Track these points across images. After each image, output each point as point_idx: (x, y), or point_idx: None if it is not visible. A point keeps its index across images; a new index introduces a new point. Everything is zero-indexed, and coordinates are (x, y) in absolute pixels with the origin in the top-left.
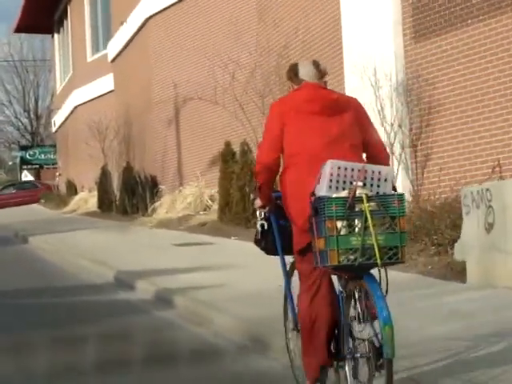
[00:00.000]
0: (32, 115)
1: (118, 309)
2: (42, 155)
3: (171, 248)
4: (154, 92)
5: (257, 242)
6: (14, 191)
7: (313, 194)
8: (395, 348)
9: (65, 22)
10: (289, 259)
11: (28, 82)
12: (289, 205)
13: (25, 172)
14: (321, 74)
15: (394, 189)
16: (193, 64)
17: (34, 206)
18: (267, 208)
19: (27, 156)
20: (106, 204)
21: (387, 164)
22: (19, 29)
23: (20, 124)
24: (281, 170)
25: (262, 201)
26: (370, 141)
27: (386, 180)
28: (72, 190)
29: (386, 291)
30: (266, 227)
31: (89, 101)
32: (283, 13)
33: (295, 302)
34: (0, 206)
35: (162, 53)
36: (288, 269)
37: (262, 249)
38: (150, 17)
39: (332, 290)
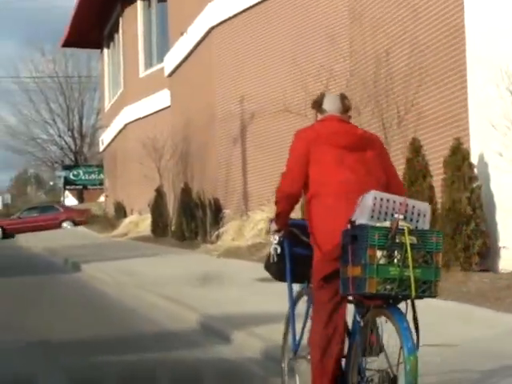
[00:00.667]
0: (76, 134)
1: (225, 372)
2: (86, 175)
3: (254, 284)
4: (217, 107)
5: (267, 267)
6: (35, 215)
7: (352, 221)
8: (417, 379)
9: (115, 35)
10: (296, 287)
11: (72, 100)
12: (316, 232)
13: (66, 193)
14: (345, 108)
15: (431, 225)
16: (262, 76)
17: (80, 228)
18: (282, 233)
19: (71, 176)
20: (160, 228)
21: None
22: (67, 43)
23: (63, 143)
24: (306, 198)
25: (278, 226)
26: (391, 180)
27: (424, 215)
28: (121, 212)
29: (417, 327)
30: (279, 251)
31: (141, 118)
32: (383, 14)
33: (297, 329)
34: (19, 230)
35: (226, 64)
36: (294, 296)
37: (272, 274)
38: (214, 26)
39: (345, 322)
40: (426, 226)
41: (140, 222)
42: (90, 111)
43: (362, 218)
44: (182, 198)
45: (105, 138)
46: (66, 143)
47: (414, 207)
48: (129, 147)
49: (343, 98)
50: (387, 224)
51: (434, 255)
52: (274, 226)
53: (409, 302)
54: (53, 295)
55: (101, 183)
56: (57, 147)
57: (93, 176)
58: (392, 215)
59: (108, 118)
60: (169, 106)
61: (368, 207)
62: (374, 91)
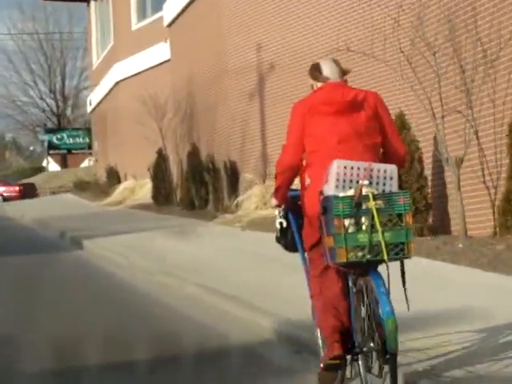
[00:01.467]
0: (58, 96)
1: None
2: (71, 139)
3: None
4: (229, 58)
5: (278, 240)
6: None
7: (321, 193)
8: (397, 341)
9: None
10: None
11: (54, 60)
12: (304, 202)
13: (47, 158)
14: (342, 71)
15: (400, 186)
16: (283, 20)
17: (69, 196)
18: (283, 207)
19: (54, 140)
20: (162, 195)
21: (402, 157)
22: None
23: (45, 105)
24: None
25: (277, 200)
26: (387, 136)
27: (391, 178)
28: (114, 178)
29: (404, 283)
30: (284, 225)
31: (134, 75)
32: None
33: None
34: None
35: (239, 9)
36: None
37: (283, 246)
38: None
39: (342, 278)
40: (394, 189)
41: (137, 188)
42: (73, 71)
43: (329, 188)
44: (189, 161)
45: (93, 97)
46: (48, 105)
47: (379, 170)
48: (121, 106)
49: (338, 62)
50: (351, 192)
51: (404, 216)
52: (274, 202)
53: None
54: (57, 283)
55: (86, 147)
56: (38, 110)
57: (78, 140)
58: (357, 182)
59: (96, 76)
60: (168, 60)
61: (333, 177)
62: (450, 26)
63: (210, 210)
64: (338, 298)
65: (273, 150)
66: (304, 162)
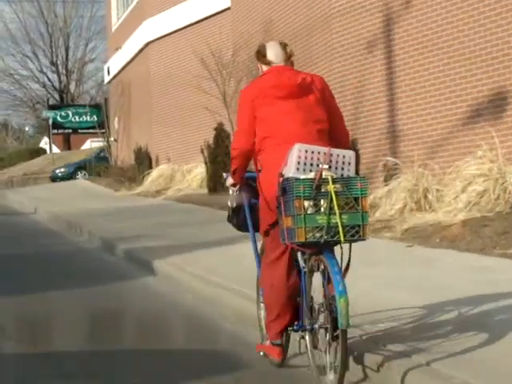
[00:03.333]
0: (61, 69)
1: None
2: (76, 117)
3: None
4: None
5: (229, 220)
6: None
7: (281, 175)
8: (349, 319)
9: None
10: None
11: (56, 29)
12: (261, 185)
13: (50, 139)
14: (287, 55)
15: (357, 171)
16: None
17: (82, 182)
18: (237, 187)
19: (58, 118)
20: (221, 184)
21: (347, 142)
22: None
23: (46, 80)
24: (255, 152)
25: (234, 180)
26: (333, 119)
27: (349, 163)
28: (144, 162)
29: (347, 266)
30: (234, 205)
31: (172, 32)
32: None
33: None
34: None
35: None
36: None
37: (234, 225)
38: None
39: (292, 263)
40: (352, 173)
41: (178, 174)
42: (78, 42)
43: (289, 170)
44: None
45: (112, 65)
46: (49, 80)
47: (338, 156)
48: (154, 72)
49: (284, 46)
50: (312, 175)
51: (360, 200)
52: (230, 181)
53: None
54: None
55: (95, 126)
56: (39, 85)
57: (84, 117)
58: (317, 165)
59: (116, 39)
60: (222, 11)
61: (293, 160)
62: None
63: None
64: (286, 278)
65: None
66: (257, 146)
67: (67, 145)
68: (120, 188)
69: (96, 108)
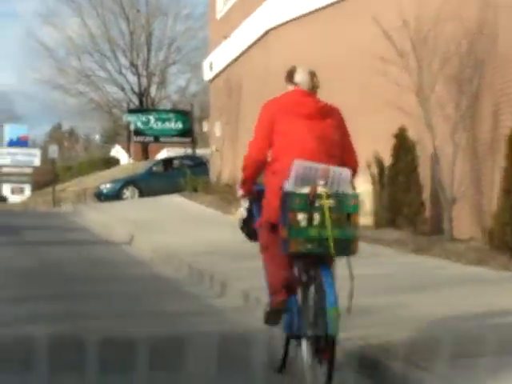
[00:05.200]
0: (141, 71)
1: None
2: (159, 123)
3: None
4: None
5: (241, 229)
6: None
7: (281, 188)
8: (338, 328)
9: None
10: None
11: (138, 27)
12: (267, 191)
13: (116, 147)
14: (313, 85)
15: (354, 188)
16: None
17: (176, 199)
18: (248, 198)
19: (138, 124)
20: (403, 215)
21: (355, 167)
22: None
23: (125, 82)
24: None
25: (244, 192)
26: (344, 146)
27: (345, 181)
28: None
29: (352, 278)
30: (245, 216)
31: (305, 15)
32: None
33: None
34: None
35: None
36: None
37: (245, 235)
38: None
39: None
40: (347, 190)
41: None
42: (161, 42)
43: (288, 184)
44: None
45: (216, 59)
46: (128, 82)
47: (334, 172)
48: (277, 66)
49: (313, 75)
50: (307, 190)
51: (351, 216)
52: (240, 192)
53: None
54: None
55: (178, 134)
56: (117, 87)
57: (168, 124)
58: (314, 181)
59: (222, 28)
60: None
61: (293, 175)
62: None
63: None
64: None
65: None
66: (272, 156)
67: (145, 154)
68: (230, 209)
69: (181, 114)
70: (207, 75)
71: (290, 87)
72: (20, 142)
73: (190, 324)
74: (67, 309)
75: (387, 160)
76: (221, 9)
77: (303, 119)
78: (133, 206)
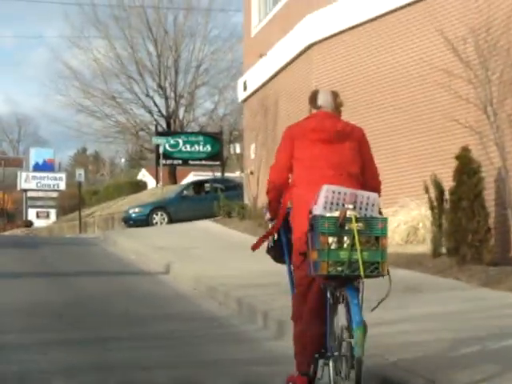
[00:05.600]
0: (169, 93)
1: None
2: (188, 146)
3: None
4: None
5: (268, 251)
6: None
7: (310, 212)
8: (363, 347)
9: None
10: None
11: (166, 49)
12: (293, 219)
13: (143, 171)
14: (336, 105)
15: (380, 212)
16: None
17: (210, 225)
18: (275, 221)
19: (166, 147)
20: (467, 244)
21: (378, 189)
22: None
23: (152, 104)
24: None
25: (270, 214)
26: (366, 168)
27: (373, 205)
28: None
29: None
30: (275, 238)
31: (354, 27)
32: None
33: None
34: None
35: None
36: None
37: (272, 257)
38: None
39: (321, 295)
40: (375, 214)
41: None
42: (188, 64)
43: (317, 208)
44: None
45: (251, 78)
46: (156, 105)
47: (363, 197)
48: (322, 83)
49: (335, 95)
50: (336, 214)
51: (380, 239)
52: (267, 216)
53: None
54: None
55: (207, 157)
56: (144, 109)
57: (196, 147)
58: (343, 205)
59: (257, 45)
60: None
61: (321, 199)
62: None
63: None
64: (314, 313)
65: None
66: (292, 181)
67: (173, 178)
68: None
69: (210, 136)
70: (241, 95)
71: (314, 111)
72: (46, 166)
73: (257, 375)
74: (115, 358)
75: (447, 182)
76: (256, 24)
77: (320, 144)
78: (165, 232)
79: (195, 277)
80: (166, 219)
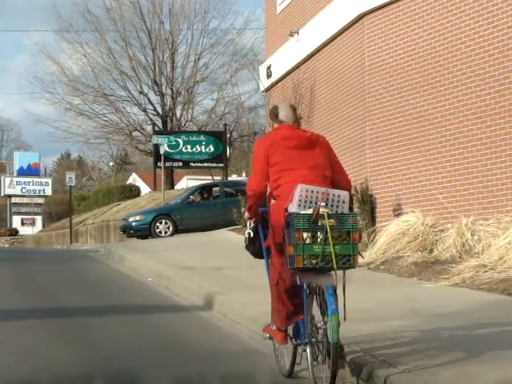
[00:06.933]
0: (166, 89)
1: None
2: (188, 146)
3: None
4: None
5: (247, 248)
6: None
7: (285, 210)
8: (339, 334)
9: None
10: None
11: (161, 43)
12: (271, 218)
13: (133, 175)
14: (296, 118)
15: (351, 209)
16: None
17: (226, 234)
18: (254, 219)
19: (166, 148)
20: None
21: (349, 188)
22: None
23: (147, 102)
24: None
25: (250, 215)
26: (337, 172)
27: (343, 202)
28: (365, 209)
29: (344, 288)
30: (252, 235)
31: None
32: None
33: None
34: None
35: None
36: None
37: (252, 253)
38: None
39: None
40: (346, 210)
41: (431, 233)
42: (186, 59)
43: (292, 206)
44: None
45: (276, 62)
46: (151, 103)
47: (334, 195)
48: (374, 63)
49: (294, 109)
50: (310, 211)
51: (351, 233)
52: (246, 215)
53: (340, 272)
54: None
55: (208, 159)
56: (138, 107)
57: (198, 148)
58: (316, 203)
59: (284, 25)
60: None
61: (296, 198)
62: None
63: None
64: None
65: None
66: (272, 185)
67: (170, 181)
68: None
69: (213, 136)
70: (264, 83)
71: (276, 125)
72: (31, 170)
73: None
74: None
75: None
76: (280, 2)
77: (294, 150)
78: (177, 244)
79: (255, 317)
80: (170, 228)
